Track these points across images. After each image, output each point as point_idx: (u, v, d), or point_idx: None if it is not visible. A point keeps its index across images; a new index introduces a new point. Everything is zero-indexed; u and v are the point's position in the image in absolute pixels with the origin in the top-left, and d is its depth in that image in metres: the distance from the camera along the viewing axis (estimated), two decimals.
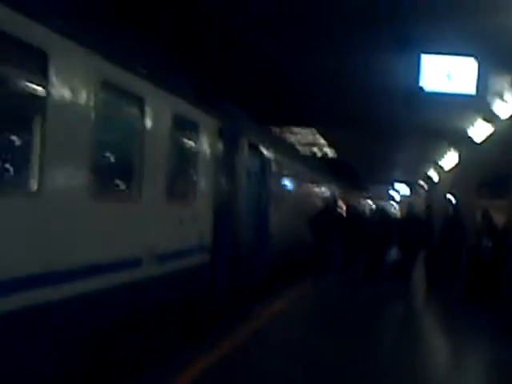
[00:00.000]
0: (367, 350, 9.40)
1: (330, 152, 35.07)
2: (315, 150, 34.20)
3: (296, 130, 29.95)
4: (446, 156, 27.10)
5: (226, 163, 11.97)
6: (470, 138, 19.88)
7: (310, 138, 33.08)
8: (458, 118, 18.03)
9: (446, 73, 10.83)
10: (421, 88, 11.33)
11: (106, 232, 7.25)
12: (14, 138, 5.69)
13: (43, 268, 5.86)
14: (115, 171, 7.85)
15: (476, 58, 10.96)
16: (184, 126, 9.94)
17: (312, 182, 24.45)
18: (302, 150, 29.19)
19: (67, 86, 6.22)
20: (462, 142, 21.80)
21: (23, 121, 5.84)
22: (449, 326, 12.36)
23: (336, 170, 32.60)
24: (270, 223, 15.43)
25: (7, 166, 5.57)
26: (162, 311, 9.01)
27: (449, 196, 26.31)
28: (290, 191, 19.64)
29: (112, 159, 7.61)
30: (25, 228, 5.61)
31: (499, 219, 15.18)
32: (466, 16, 9.87)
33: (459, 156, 24.73)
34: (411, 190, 46.29)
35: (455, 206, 21.77)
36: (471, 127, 19.08)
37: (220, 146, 11.68)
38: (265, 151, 15.12)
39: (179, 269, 9.61)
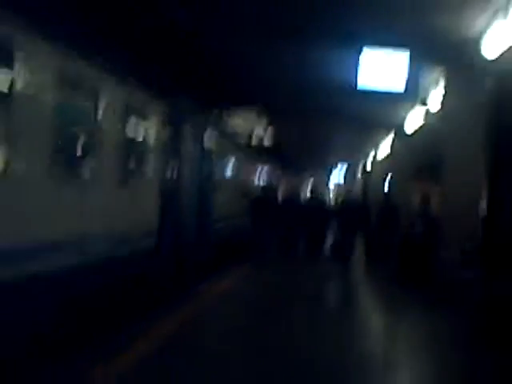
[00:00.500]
0: (307, 319, 10.34)
1: (268, 136, 35.28)
2: (254, 132, 34.30)
3: (238, 115, 29.94)
4: (381, 145, 27.99)
5: (171, 150, 12.41)
6: (402, 129, 20.69)
7: (249, 123, 33.25)
8: (391, 111, 18.78)
9: (379, 70, 11.52)
10: (356, 85, 12.01)
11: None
12: None
13: None
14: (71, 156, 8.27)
15: (409, 49, 11.71)
16: (135, 114, 10.38)
17: (252, 167, 25.10)
18: (241, 134, 29.32)
19: None
20: (395, 133, 22.71)
21: None
22: (380, 298, 13.70)
23: (275, 155, 33.19)
24: (212, 207, 15.96)
25: None
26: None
27: (383, 182, 27.37)
28: (230, 176, 20.19)
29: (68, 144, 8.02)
30: None
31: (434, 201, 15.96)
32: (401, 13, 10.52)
33: (391, 146, 25.64)
34: (347, 178, 47.39)
35: (386, 193, 23.02)
36: (403, 120, 19.94)
37: (166, 133, 12.11)
38: (208, 138, 15.59)
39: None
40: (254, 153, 25.88)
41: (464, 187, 12.12)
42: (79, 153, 8.35)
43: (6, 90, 6.39)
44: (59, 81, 7.48)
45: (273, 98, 20.90)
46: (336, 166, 47.73)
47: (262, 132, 31.80)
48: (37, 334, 7.14)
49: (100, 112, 8.79)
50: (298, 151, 38.91)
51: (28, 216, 6.87)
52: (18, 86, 6.57)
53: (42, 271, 7.13)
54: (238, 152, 21.68)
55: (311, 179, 46.78)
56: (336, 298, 14.04)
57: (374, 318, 11.53)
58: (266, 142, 31.21)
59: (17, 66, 6.51)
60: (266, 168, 29.06)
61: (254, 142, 28.41)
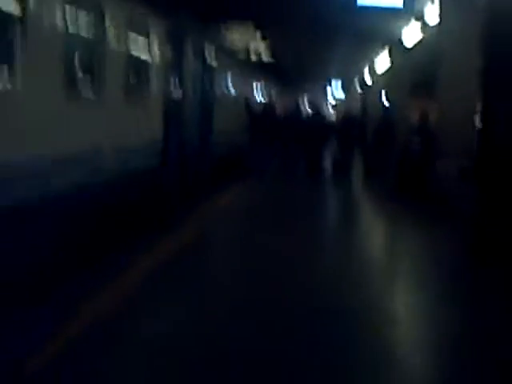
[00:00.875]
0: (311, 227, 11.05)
1: (266, 52, 35.17)
2: (252, 48, 34.14)
3: (234, 28, 29.70)
4: (379, 58, 27.97)
5: (173, 67, 12.65)
6: (400, 44, 20.79)
7: (247, 38, 33.08)
8: (391, 25, 18.87)
9: None
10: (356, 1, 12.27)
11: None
12: None
13: None
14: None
15: None
16: (139, 31, 10.60)
17: (249, 83, 25.24)
18: (240, 49, 29.23)
19: None
20: (394, 47, 22.74)
21: None
22: (379, 207, 14.87)
23: (272, 70, 33.26)
24: (212, 123, 16.27)
25: None
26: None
27: (382, 98, 27.51)
28: (230, 93, 20.40)
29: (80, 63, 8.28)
30: None
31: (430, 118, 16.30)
32: None
33: (391, 61, 25.68)
34: (346, 94, 47.41)
35: (386, 108, 23.28)
36: (401, 35, 20.02)
37: (169, 50, 12.33)
38: (208, 55, 15.77)
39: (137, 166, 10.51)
40: (253, 68, 25.94)
41: (460, 102, 12.42)
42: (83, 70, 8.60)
43: None
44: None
45: (269, 13, 20.90)
46: (331, 82, 47.96)
47: (258, 47, 31.76)
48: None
49: (103, 28, 9.01)
50: (294, 67, 38.89)
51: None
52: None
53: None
54: (237, 67, 21.81)
55: (309, 95, 46.89)
56: (334, 210, 14.65)
57: (370, 227, 12.20)
58: (264, 57, 31.22)
59: None
60: (265, 84, 29.19)
61: (252, 56, 28.45)
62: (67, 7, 7.75)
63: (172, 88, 12.57)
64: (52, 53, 7.39)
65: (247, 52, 28.22)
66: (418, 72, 19.10)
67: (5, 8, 6.38)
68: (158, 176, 11.60)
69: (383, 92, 27.73)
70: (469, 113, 11.13)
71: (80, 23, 8.41)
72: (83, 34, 8.51)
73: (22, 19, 6.58)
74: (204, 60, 15.38)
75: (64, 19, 7.66)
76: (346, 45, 26.07)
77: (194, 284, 7.11)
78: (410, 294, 7.59)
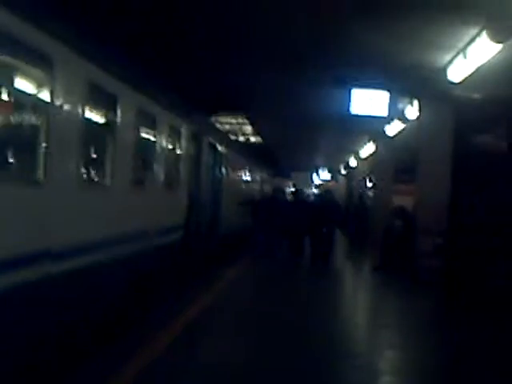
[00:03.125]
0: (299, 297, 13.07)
1: (256, 140, 37.59)
2: (242, 138, 36.52)
3: (228, 120, 31.75)
4: (365, 147, 30.49)
5: (194, 160, 15.04)
6: (384, 134, 23.28)
7: (239, 128, 35.48)
8: (375, 123, 21.35)
9: (368, 101, 14.43)
10: (349, 112, 14.83)
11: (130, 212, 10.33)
12: None
13: None
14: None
15: (388, 91, 14.64)
16: (173, 133, 13.09)
17: (249, 171, 27.78)
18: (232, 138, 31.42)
19: None
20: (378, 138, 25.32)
21: None
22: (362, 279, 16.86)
23: (264, 159, 35.97)
24: (221, 207, 18.58)
25: None
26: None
27: (366, 180, 30.02)
28: (233, 180, 22.87)
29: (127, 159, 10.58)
30: None
31: (410, 202, 18.56)
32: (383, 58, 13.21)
33: (376, 147, 28.18)
34: (332, 177, 50.12)
35: (360, 193, 26.10)
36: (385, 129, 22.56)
37: (192, 147, 14.74)
38: (218, 148, 18.22)
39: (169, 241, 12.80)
40: (250, 159, 28.51)
41: (434, 186, 14.72)
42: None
43: None
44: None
45: (265, 111, 23.22)
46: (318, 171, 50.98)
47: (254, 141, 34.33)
48: None
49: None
50: (285, 158, 41.85)
51: None
52: None
53: None
54: (239, 160, 24.35)
55: (298, 180, 49.79)
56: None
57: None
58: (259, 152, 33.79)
59: None
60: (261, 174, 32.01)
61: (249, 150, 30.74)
62: None
63: (192, 177, 14.89)
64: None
65: (247, 148, 30.57)
66: (399, 159, 21.55)
67: None
68: (182, 247, 13.94)
69: (367, 176, 30.27)
70: (442, 196, 13.41)
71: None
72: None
73: None
74: (214, 153, 17.80)
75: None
76: (335, 139, 28.77)
77: None
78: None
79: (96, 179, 9.05)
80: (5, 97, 6.29)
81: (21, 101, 6.69)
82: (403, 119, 18.03)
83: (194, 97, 15.81)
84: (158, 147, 11.78)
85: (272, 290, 13.71)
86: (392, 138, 22.35)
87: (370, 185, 29.87)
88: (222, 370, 7.28)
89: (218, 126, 24.42)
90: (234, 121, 28.12)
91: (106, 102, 9.11)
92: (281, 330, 9.56)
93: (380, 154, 26.15)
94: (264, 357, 7.92)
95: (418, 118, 17.30)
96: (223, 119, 26.46)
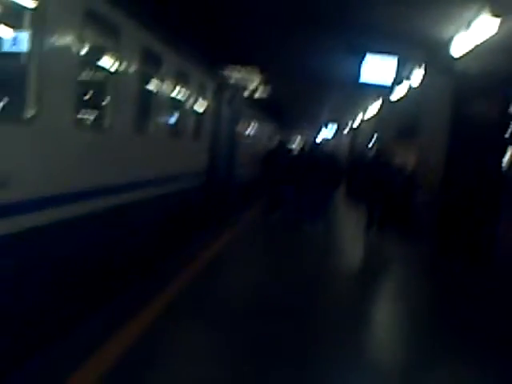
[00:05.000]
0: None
1: (266, 93, 38.63)
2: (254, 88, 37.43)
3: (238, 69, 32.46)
4: (371, 107, 31.96)
5: (216, 114, 16.63)
6: (389, 97, 24.72)
7: (251, 79, 36.45)
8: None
9: (376, 70, 15.97)
10: (358, 80, 16.34)
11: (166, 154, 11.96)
12: None
13: None
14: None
15: (397, 54, 16.12)
16: (201, 89, 14.62)
17: (260, 124, 29.30)
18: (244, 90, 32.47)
19: None
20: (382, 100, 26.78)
21: None
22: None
23: (276, 112, 37.35)
24: (236, 157, 20.21)
25: None
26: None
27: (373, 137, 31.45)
28: (247, 133, 24.48)
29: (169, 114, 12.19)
30: None
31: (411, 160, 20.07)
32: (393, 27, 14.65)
33: (380, 108, 29.66)
34: (337, 130, 51.59)
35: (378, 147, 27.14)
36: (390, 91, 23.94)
37: (214, 101, 16.30)
38: (235, 104, 19.77)
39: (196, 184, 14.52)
40: (263, 112, 29.92)
41: (432, 147, 16.22)
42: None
43: None
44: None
45: (278, 65, 24.47)
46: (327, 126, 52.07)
47: (265, 93, 35.50)
48: None
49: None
50: (296, 111, 43.09)
51: None
52: None
53: None
54: (253, 113, 25.84)
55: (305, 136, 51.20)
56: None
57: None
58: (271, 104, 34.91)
59: None
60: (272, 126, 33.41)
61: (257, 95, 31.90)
62: None
63: (213, 129, 16.48)
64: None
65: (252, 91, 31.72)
66: (401, 120, 23.07)
67: None
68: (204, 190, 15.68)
69: (372, 134, 31.73)
70: (439, 155, 14.94)
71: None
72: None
73: None
74: (235, 113, 19.39)
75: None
76: (345, 96, 30.18)
77: None
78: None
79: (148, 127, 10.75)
80: None
81: None
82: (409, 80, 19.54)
83: (211, 51, 16.90)
84: (189, 103, 13.43)
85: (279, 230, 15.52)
86: (396, 101, 23.85)
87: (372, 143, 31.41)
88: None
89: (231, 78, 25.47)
90: (243, 70, 29.29)
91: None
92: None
93: (384, 114, 27.67)
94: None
95: (421, 82, 18.79)
96: (235, 71, 27.45)
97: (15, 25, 6.50)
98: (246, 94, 26.43)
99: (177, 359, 6.08)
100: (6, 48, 6.58)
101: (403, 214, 17.72)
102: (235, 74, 27.91)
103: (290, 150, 20.52)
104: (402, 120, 23.19)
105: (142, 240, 10.63)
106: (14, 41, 6.57)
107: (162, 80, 11.31)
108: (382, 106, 28.42)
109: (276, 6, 14.70)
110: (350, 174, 26.26)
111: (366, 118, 35.19)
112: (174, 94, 12.21)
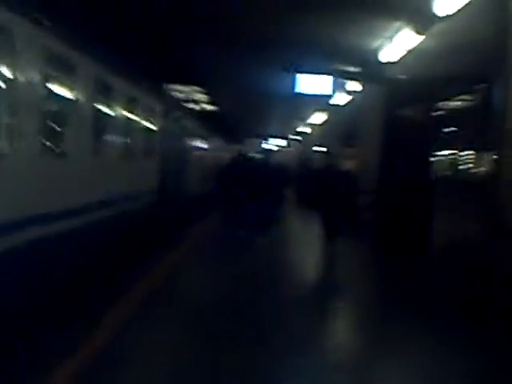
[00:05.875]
0: None
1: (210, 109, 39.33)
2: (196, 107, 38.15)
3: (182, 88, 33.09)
4: (316, 117, 32.97)
5: (165, 133, 17.39)
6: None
7: (195, 96, 37.22)
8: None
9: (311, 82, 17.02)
10: (293, 90, 17.31)
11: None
12: None
13: None
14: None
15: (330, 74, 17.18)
16: (148, 111, 15.36)
17: (206, 140, 30.09)
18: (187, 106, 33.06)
19: None
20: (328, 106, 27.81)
21: None
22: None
23: (220, 127, 38.21)
24: (185, 174, 21.00)
25: None
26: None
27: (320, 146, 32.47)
28: (195, 148, 25.27)
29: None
30: None
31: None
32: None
33: (326, 115, 30.68)
34: (287, 143, 52.82)
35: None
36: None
37: (162, 122, 17.08)
38: (182, 122, 20.56)
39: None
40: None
41: (370, 153, 17.21)
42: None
43: None
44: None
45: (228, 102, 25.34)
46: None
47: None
48: None
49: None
50: (238, 125, 44.09)
51: None
52: None
53: None
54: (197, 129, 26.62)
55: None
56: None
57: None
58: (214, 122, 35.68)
59: None
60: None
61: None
62: None
63: (163, 148, 17.24)
64: None
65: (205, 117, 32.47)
66: (346, 126, 24.14)
67: None
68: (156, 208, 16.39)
69: (319, 141, 32.80)
70: (375, 159, 15.87)
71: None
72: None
73: None
74: (182, 130, 20.18)
75: None
76: (287, 108, 31.20)
77: None
78: None
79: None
80: None
81: None
82: (347, 92, 20.56)
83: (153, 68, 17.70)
84: (138, 124, 14.17)
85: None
86: (338, 108, 24.93)
87: (320, 149, 32.41)
88: None
89: (175, 95, 26.02)
90: (186, 89, 29.95)
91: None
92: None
93: (329, 122, 28.73)
94: None
95: (360, 91, 19.86)
96: (177, 87, 27.98)
97: None
98: (190, 109, 27.29)
99: None
100: None
101: (351, 217, 18.49)
102: (180, 92, 28.75)
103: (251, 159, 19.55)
104: (345, 126, 24.26)
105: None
106: None
107: (114, 106, 12.14)
108: (326, 114, 29.50)
109: (213, 26, 15.62)
110: (299, 182, 27.24)
111: (313, 125, 36.26)
112: (124, 117, 12.91)
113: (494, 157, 9.58)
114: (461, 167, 14.12)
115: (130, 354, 6.71)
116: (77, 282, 9.89)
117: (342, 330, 9.01)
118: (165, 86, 20.76)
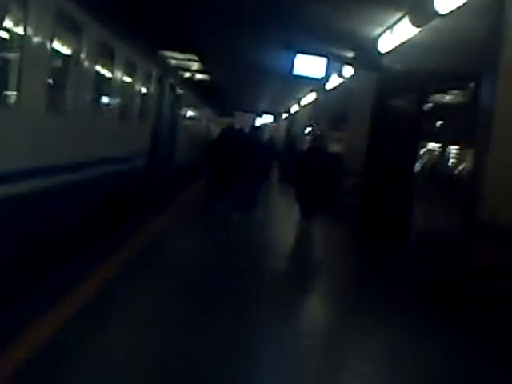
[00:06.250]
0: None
1: (204, 78, 39.45)
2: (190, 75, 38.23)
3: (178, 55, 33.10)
4: (307, 97, 33.31)
5: (159, 99, 17.66)
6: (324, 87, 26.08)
7: (190, 65, 37.28)
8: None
9: (307, 64, 17.29)
10: (291, 72, 17.61)
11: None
12: None
13: None
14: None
15: (326, 57, 17.49)
16: (145, 75, 15.65)
17: (198, 110, 30.35)
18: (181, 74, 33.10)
19: None
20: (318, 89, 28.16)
21: None
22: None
23: (212, 99, 38.42)
24: (176, 141, 21.30)
25: None
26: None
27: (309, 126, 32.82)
28: (187, 117, 25.54)
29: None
30: None
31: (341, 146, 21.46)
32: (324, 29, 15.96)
33: (316, 96, 31.00)
34: (274, 120, 53.07)
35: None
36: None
37: (158, 87, 17.33)
38: (177, 89, 20.81)
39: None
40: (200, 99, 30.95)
41: (358, 134, 17.61)
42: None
43: None
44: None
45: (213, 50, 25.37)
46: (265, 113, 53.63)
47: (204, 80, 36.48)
48: None
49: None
50: (233, 100, 44.22)
51: None
52: None
53: None
54: (192, 100, 26.89)
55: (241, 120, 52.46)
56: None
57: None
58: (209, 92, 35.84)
59: None
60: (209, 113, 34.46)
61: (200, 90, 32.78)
62: None
63: (157, 114, 17.54)
64: None
65: (199, 87, 32.62)
66: (335, 109, 24.48)
67: None
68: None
69: (308, 121, 33.14)
70: (362, 144, 16.25)
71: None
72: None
73: None
74: (173, 93, 20.41)
75: None
76: (279, 86, 31.47)
77: None
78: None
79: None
80: None
81: None
82: (340, 76, 20.90)
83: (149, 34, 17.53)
84: (136, 88, 14.46)
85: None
86: (329, 90, 25.25)
87: (307, 130, 32.82)
88: None
89: (168, 61, 26.10)
90: (181, 56, 29.47)
91: None
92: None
93: (319, 103, 29.05)
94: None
95: (352, 76, 20.18)
96: (171, 54, 28.18)
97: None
98: (185, 77, 27.54)
99: None
100: None
101: (331, 199, 18.87)
102: (176, 59, 28.91)
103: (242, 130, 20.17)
104: (334, 109, 24.61)
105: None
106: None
107: (113, 68, 12.41)
108: (317, 95, 29.81)
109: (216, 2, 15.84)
110: (284, 160, 27.61)
111: (302, 105, 36.59)
112: (122, 79, 13.21)
113: (478, 153, 9.94)
114: (445, 161, 14.58)
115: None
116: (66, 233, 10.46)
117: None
118: (161, 52, 21.04)
